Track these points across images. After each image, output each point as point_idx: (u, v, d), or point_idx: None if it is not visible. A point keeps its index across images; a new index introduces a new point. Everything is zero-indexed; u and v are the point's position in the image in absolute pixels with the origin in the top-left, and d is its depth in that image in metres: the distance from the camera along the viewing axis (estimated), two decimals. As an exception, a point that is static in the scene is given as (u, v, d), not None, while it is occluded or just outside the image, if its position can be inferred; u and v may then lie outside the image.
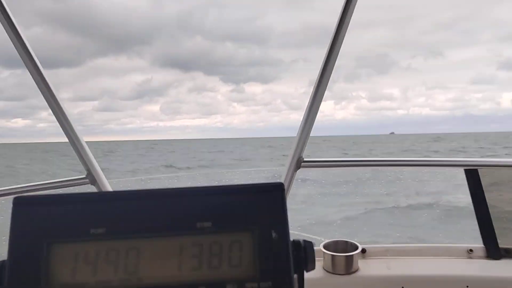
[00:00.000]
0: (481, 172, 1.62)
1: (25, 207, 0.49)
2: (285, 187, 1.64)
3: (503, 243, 1.60)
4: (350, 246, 1.60)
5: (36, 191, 1.64)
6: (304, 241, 0.54)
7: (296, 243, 0.53)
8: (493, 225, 1.60)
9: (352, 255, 1.54)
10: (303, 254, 0.53)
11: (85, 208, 0.50)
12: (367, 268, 1.56)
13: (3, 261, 0.48)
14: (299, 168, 1.65)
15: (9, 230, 0.48)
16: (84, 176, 1.63)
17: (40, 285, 0.47)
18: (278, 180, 1.54)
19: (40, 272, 0.47)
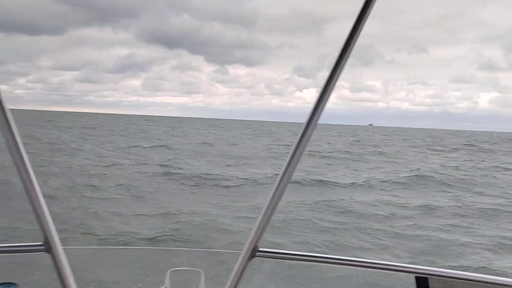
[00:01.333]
0: (431, 280, 1.63)
1: None
2: (236, 277, 1.63)
3: None
4: None
5: None
6: None
7: None
8: None
9: None
10: None
11: None
12: None
13: None
14: (253, 257, 1.60)
15: None
16: (41, 243, 1.56)
17: None
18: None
19: None
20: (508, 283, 1.57)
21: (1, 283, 1.40)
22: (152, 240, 11.46)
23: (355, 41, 1.61)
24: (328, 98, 1.65)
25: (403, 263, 1.75)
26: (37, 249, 1.58)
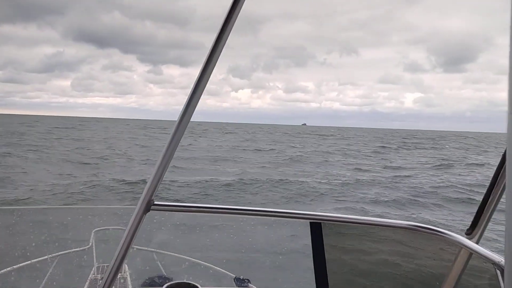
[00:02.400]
0: (324, 225, 1.74)
1: None
2: (133, 228, 1.62)
3: None
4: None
5: None
6: None
7: None
8: (328, 277, 1.72)
9: None
10: None
11: None
12: None
13: None
14: (148, 211, 1.64)
15: None
16: None
17: None
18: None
19: None
20: (384, 223, 1.76)
21: None
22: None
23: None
24: (200, 95, 1.72)
25: (299, 210, 1.81)
26: None
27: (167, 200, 1.71)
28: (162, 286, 1.76)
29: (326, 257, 1.72)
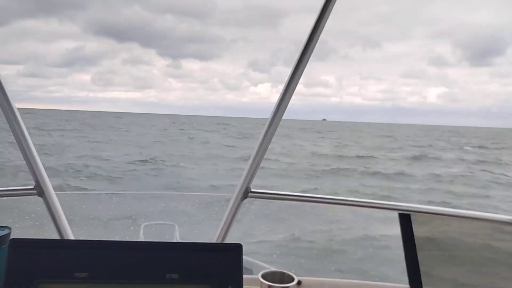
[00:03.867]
0: (414, 216, 1.72)
1: (20, 249, 0.57)
2: (231, 215, 1.74)
3: (426, 283, 1.71)
4: (286, 277, 1.69)
5: None
6: None
7: None
8: (420, 269, 1.70)
9: (288, 286, 1.64)
10: None
11: (71, 254, 0.57)
12: None
13: None
14: (246, 198, 1.72)
15: (5, 267, 0.55)
16: (32, 187, 1.63)
17: None
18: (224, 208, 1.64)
19: None
20: (483, 217, 1.67)
21: None
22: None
23: (318, 36, 1.70)
24: (292, 92, 1.75)
25: (388, 201, 1.81)
26: (29, 192, 1.65)
27: (263, 188, 1.80)
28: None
29: (417, 249, 1.70)
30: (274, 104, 1.75)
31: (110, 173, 16.99)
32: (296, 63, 1.69)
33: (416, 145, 40.18)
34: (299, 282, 1.73)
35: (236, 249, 0.63)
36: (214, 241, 1.68)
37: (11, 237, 1.41)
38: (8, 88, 1.59)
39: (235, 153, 25.22)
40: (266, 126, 1.75)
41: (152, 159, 21.29)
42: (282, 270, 1.70)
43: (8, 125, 1.58)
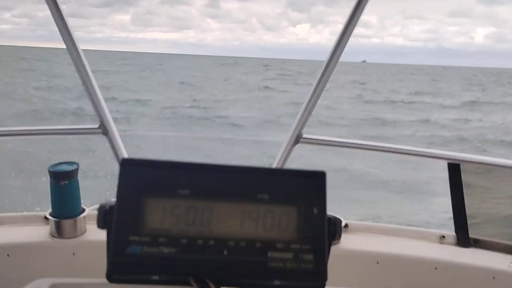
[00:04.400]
0: (463, 166, 1.72)
1: (130, 167, 0.67)
2: (282, 160, 1.80)
3: (473, 233, 1.73)
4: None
5: (49, 134, 1.76)
6: (335, 217, 0.71)
7: (329, 218, 0.70)
8: (467, 217, 1.72)
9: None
10: (333, 227, 0.70)
11: (174, 174, 0.67)
12: (348, 241, 1.68)
13: (112, 205, 0.66)
14: (297, 143, 1.74)
15: (117, 183, 0.65)
16: (97, 126, 1.73)
17: (137, 228, 0.64)
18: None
19: (138, 218, 0.64)
20: None
21: (63, 162, 1.59)
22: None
23: None
24: (350, 35, 1.69)
25: (437, 150, 1.80)
26: (94, 131, 1.76)
27: (315, 134, 1.82)
28: None
29: (465, 199, 1.72)
30: (331, 47, 1.70)
31: (156, 115, 17.39)
32: (356, 2, 1.61)
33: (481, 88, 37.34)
34: (345, 225, 1.81)
35: (320, 176, 0.69)
36: None
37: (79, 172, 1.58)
38: (53, 28, 1.65)
39: (281, 96, 24.85)
40: (322, 70, 1.73)
41: (199, 101, 21.45)
42: (329, 213, 1.78)
43: (74, 67, 1.65)
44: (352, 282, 1.62)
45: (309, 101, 1.72)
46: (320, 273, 0.67)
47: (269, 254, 0.66)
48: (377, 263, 1.63)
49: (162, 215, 0.65)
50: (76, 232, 1.52)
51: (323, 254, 0.68)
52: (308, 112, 1.72)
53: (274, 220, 0.67)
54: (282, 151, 1.75)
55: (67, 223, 1.51)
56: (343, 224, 1.72)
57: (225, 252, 0.65)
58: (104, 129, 1.73)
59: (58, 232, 1.51)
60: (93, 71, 1.72)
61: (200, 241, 0.65)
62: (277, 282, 0.68)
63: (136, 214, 0.65)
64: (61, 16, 1.61)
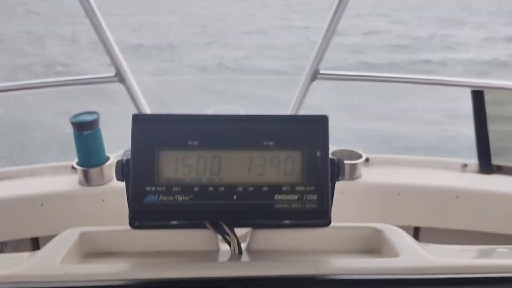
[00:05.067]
0: (486, 93, 1.68)
1: (141, 122, 0.71)
2: (300, 97, 1.80)
3: (496, 160, 1.72)
4: (354, 155, 1.77)
5: (66, 85, 1.82)
6: (338, 159, 0.75)
7: (332, 160, 0.74)
8: (489, 144, 1.71)
9: (355, 163, 1.72)
10: (337, 168, 0.74)
11: (183, 126, 0.71)
12: (369, 175, 1.71)
13: (128, 159, 0.71)
14: (315, 79, 1.73)
15: (131, 139, 0.70)
16: (113, 74, 1.76)
17: (153, 179, 0.70)
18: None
19: (153, 170, 0.70)
20: None
21: (83, 112, 1.61)
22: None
23: None
24: None
25: (459, 78, 1.77)
26: (110, 79, 1.78)
27: (332, 69, 1.79)
28: None
29: (488, 126, 1.70)
30: None
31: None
32: None
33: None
34: (367, 159, 1.81)
35: (323, 120, 0.72)
36: None
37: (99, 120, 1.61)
38: None
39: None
40: (334, 6, 1.67)
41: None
42: (350, 148, 1.78)
43: (87, 18, 1.65)
44: (374, 214, 1.66)
45: (326, 33, 1.68)
46: (323, 211, 0.71)
47: (276, 197, 0.71)
48: (399, 194, 1.65)
49: (175, 165, 0.70)
50: (103, 180, 1.57)
51: (326, 194, 0.71)
52: (325, 45, 1.68)
53: (280, 165, 0.71)
54: (299, 88, 1.74)
55: (94, 172, 1.56)
56: (363, 158, 1.73)
57: (235, 197, 0.70)
58: (120, 77, 1.75)
59: (86, 180, 1.56)
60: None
61: (211, 188, 0.70)
62: (284, 222, 0.75)
63: (150, 166, 0.70)
64: None
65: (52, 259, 0.69)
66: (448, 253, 0.80)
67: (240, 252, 0.77)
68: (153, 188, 0.70)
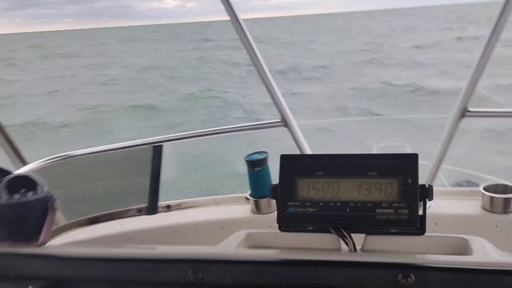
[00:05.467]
0: None
1: (286, 160, 1.04)
2: (449, 135, 1.83)
3: None
4: (510, 189, 1.70)
5: (234, 132, 2.12)
6: (428, 185, 0.97)
7: (422, 185, 0.97)
8: None
9: (509, 197, 1.66)
10: (426, 192, 0.95)
11: (314, 162, 1.03)
12: None
13: (276, 184, 1.04)
14: (463, 117, 1.73)
15: (279, 171, 1.03)
16: (279, 120, 1.99)
17: (292, 197, 1.01)
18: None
19: (292, 191, 1.01)
20: None
21: (255, 152, 1.91)
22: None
23: None
24: None
25: None
26: (276, 124, 2.06)
27: (482, 107, 1.76)
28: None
29: None
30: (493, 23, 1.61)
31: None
32: None
33: None
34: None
35: (413, 157, 0.96)
36: (432, 163, 1.79)
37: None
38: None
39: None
40: (492, 28, 1.64)
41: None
42: (505, 183, 1.71)
43: (255, 70, 1.94)
44: None
45: (476, 68, 1.67)
46: (412, 221, 0.92)
47: (377, 210, 0.95)
48: None
49: (307, 189, 0.99)
50: (271, 209, 1.83)
51: (415, 209, 0.93)
52: (474, 83, 1.68)
53: (381, 188, 0.95)
54: (448, 126, 1.76)
55: (263, 202, 1.83)
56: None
57: (347, 210, 0.96)
58: (285, 122, 2.00)
59: (257, 209, 1.85)
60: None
61: (331, 204, 0.97)
62: (383, 228, 0.98)
63: (291, 189, 1.00)
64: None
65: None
66: None
67: (355, 250, 1.00)
68: (292, 203, 0.99)
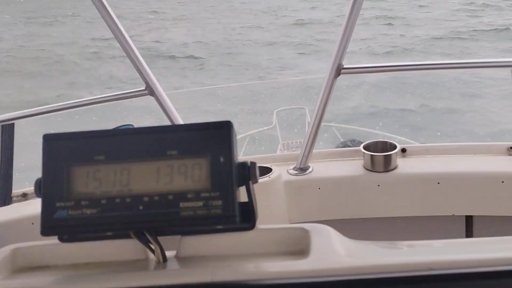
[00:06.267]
0: None
1: (51, 141, 0.74)
2: (326, 94, 1.78)
3: None
4: (389, 146, 1.72)
5: (99, 103, 1.87)
6: (250, 162, 0.75)
7: (242, 164, 0.74)
8: None
9: (390, 154, 1.66)
10: (247, 172, 0.74)
11: (91, 142, 0.74)
12: (405, 166, 1.65)
13: (40, 178, 0.74)
14: (338, 75, 1.67)
15: (42, 158, 0.73)
16: (143, 88, 1.79)
17: (62, 195, 0.72)
18: None
19: (62, 186, 0.72)
20: None
21: (121, 126, 1.69)
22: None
23: None
24: None
25: (498, 58, 1.68)
26: (141, 93, 1.82)
27: (356, 63, 1.73)
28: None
29: None
30: None
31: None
32: None
33: None
34: (403, 150, 1.75)
35: (226, 126, 0.72)
36: (311, 121, 1.74)
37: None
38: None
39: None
40: (351, 3, 1.61)
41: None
42: (384, 140, 1.73)
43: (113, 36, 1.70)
44: (413, 205, 1.60)
45: (346, 26, 1.62)
46: (229, 216, 0.70)
47: (181, 204, 0.71)
48: (438, 183, 1.58)
49: (84, 180, 0.72)
50: None
51: (232, 199, 0.71)
52: (346, 38, 1.62)
53: (187, 173, 0.71)
54: (324, 85, 1.69)
55: None
56: (398, 149, 1.67)
57: (141, 207, 0.71)
58: (150, 90, 1.79)
59: None
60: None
61: (118, 200, 0.71)
62: (190, 228, 0.78)
63: (60, 183, 0.72)
64: None
65: None
66: (376, 252, 0.80)
67: (165, 260, 0.78)
68: (63, 204, 0.72)
